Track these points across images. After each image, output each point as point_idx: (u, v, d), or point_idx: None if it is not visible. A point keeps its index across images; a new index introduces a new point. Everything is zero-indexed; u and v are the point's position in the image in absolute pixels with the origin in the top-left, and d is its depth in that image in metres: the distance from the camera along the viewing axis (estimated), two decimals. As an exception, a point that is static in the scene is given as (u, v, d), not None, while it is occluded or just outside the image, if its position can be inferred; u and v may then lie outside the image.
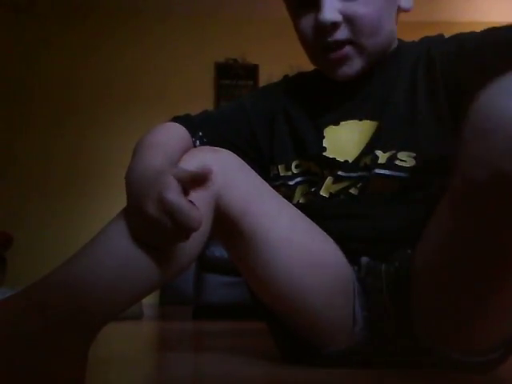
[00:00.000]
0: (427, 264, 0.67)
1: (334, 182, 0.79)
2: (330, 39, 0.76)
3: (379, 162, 0.76)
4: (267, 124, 0.87)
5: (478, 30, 0.72)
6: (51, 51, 3.26)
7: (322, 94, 0.86)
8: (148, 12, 3.33)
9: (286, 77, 0.93)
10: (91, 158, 3.19)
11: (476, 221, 0.56)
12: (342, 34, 0.76)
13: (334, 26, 0.75)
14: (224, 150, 0.68)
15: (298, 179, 0.82)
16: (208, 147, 0.69)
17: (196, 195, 0.60)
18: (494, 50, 0.67)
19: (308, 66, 0.86)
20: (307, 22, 0.77)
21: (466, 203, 0.55)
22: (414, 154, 0.74)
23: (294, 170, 0.83)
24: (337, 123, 0.82)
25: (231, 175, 0.66)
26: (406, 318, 0.70)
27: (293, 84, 0.90)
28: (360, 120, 0.81)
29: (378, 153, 0.76)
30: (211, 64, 3.37)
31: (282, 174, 0.83)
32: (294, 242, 0.70)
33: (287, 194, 0.82)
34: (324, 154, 0.80)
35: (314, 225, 0.74)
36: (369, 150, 0.77)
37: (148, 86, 3.29)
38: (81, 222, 3.06)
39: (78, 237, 3.04)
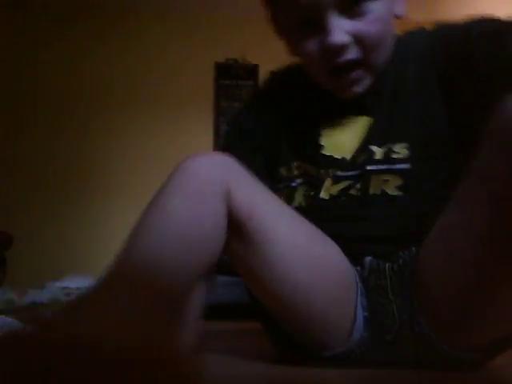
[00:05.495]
0: (434, 258, 0.67)
1: (333, 184, 0.78)
2: (339, 60, 0.74)
3: (376, 157, 0.75)
4: (271, 135, 0.87)
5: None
6: (50, 51, 3.26)
7: (316, 92, 0.85)
8: (147, 12, 3.33)
9: (273, 75, 0.91)
10: (91, 159, 3.19)
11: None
12: (351, 54, 0.74)
13: (344, 47, 0.73)
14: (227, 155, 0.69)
15: (299, 181, 0.82)
16: (212, 152, 0.70)
17: (210, 201, 0.61)
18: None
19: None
20: (312, 44, 0.75)
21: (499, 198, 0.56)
22: (407, 145, 0.75)
23: (295, 172, 0.83)
24: (333, 120, 0.82)
25: (237, 178, 0.66)
26: (409, 317, 0.69)
27: (283, 84, 0.89)
28: (356, 116, 0.81)
29: (374, 148, 0.76)
30: (211, 64, 3.37)
31: (284, 176, 0.83)
32: (297, 244, 0.69)
33: (289, 195, 0.82)
34: (321, 152, 0.80)
35: (316, 228, 0.73)
36: (364, 146, 0.77)
37: (148, 86, 3.29)
38: (81, 222, 3.06)
39: (78, 237, 3.05)
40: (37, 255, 2.96)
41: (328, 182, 0.78)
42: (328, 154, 0.80)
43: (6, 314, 1.73)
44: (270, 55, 3.44)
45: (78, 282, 2.57)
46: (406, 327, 0.69)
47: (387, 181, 0.75)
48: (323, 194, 0.78)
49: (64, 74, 3.26)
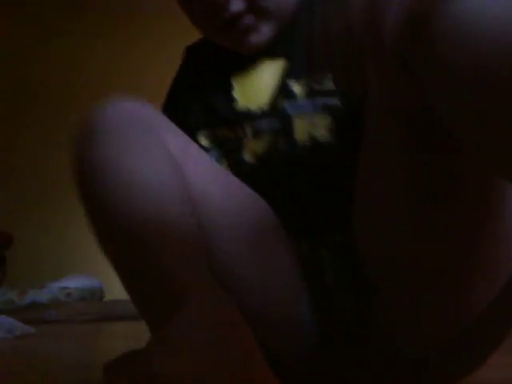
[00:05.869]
0: (367, 228, 0.54)
1: (254, 139, 0.65)
2: (225, 15, 0.63)
3: (296, 93, 0.63)
4: (187, 110, 0.75)
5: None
6: (50, 51, 3.26)
7: (227, 52, 0.71)
8: (148, 12, 3.33)
9: (188, 50, 0.80)
10: (91, 158, 3.19)
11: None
12: (236, 4, 0.62)
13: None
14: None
15: (215, 152, 0.69)
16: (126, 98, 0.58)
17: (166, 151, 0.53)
18: None
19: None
20: (195, 4, 0.64)
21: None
22: (330, 76, 0.62)
23: (204, 143, 0.69)
24: (247, 68, 0.69)
25: (166, 127, 0.57)
26: (360, 313, 0.58)
27: (199, 55, 0.78)
28: (273, 59, 0.68)
29: (293, 85, 0.64)
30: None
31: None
32: (231, 211, 0.59)
33: None
34: (234, 107, 0.67)
35: (256, 195, 0.62)
36: (282, 86, 0.65)
37: (148, 86, 3.28)
38: (81, 222, 3.05)
39: (78, 237, 3.05)
40: (37, 255, 2.96)
41: (250, 140, 0.65)
42: (242, 107, 0.67)
43: (6, 314, 1.73)
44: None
45: (77, 282, 2.57)
46: (358, 327, 0.58)
47: (315, 124, 0.62)
48: (248, 157, 0.65)
49: (64, 74, 3.26)
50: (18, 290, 2.45)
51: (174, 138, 0.57)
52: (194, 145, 0.61)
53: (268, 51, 0.68)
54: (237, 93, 0.69)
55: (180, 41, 3.63)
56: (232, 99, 0.68)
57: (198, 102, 0.72)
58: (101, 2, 3.26)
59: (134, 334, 1.52)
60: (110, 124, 0.53)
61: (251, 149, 0.65)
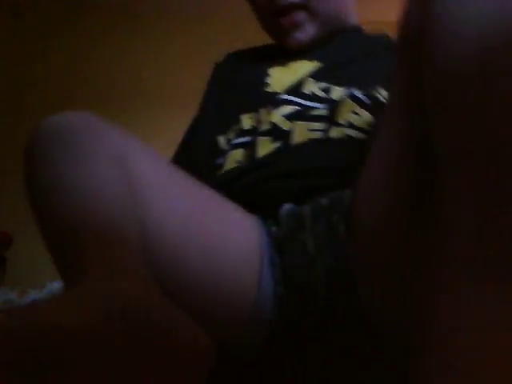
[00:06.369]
0: (369, 205, 0.50)
1: (276, 109, 0.66)
2: (283, 3, 0.73)
3: (304, 91, 0.67)
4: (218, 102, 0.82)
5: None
6: (50, 52, 3.26)
7: (266, 51, 0.82)
8: (148, 12, 3.33)
9: (227, 56, 0.89)
10: (91, 158, 3.18)
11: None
12: None
13: None
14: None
15: (236, 141, 0.70)
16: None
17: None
18: None
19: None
20: None
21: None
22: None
23: (230, 135, 0.72)
24: (285, 65, 0.76)
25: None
26: (341, 284, 0.50)
27: (239, 52, 0.88)
28: (310, 60, 0.75)
29: (310, 81, 0.69)
30: (211, 64, 3.37)
31: (221, 147, 0.73)
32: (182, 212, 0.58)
33: (222, 164, 0.70)
34: (265, 89, 0.73)
35: (212, 192, 0.61)
36: (300, 80, 0.70)
37: (148, 86, 3.28)
38: (81, 222, 3.05)
39: (77, 237, 3.04)
40: (37, 255, 2.95)
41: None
42: (271, 91, 0.72)
43: (5, 313, 1.73)
44: (270, 55, 3.45)
45: (77, 282, 2.56)
46: (337, 301, 0.50)
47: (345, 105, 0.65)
48: (264, 126, 0.65)
49: (63, 74, 3.26)
50: (18, 289, 2.45)
51: (111, 139, 0.58)
52: (137, 141, 0.61)
53: (304, 56, 0.74)
54: (271, 80, 0.74)
55: (180, 41, 3.61)
56: (265, 83, 0.73)
57: (234, 92, 0.77)
58: (101, 2, 3.26)
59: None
60: (44, 139, 0.54)
61: (267, 120, 0.66)
